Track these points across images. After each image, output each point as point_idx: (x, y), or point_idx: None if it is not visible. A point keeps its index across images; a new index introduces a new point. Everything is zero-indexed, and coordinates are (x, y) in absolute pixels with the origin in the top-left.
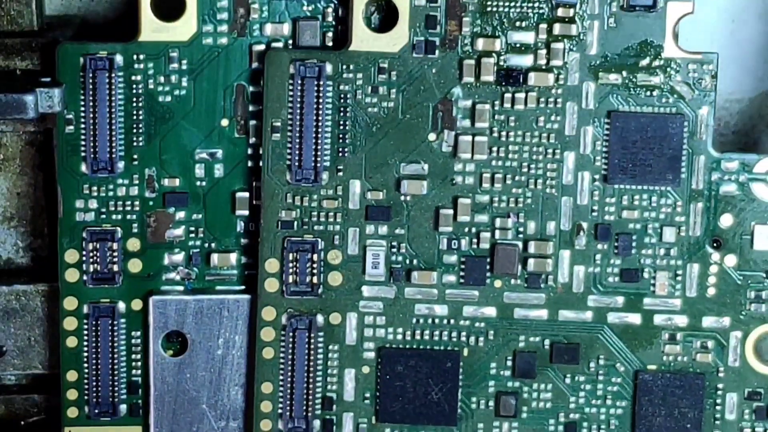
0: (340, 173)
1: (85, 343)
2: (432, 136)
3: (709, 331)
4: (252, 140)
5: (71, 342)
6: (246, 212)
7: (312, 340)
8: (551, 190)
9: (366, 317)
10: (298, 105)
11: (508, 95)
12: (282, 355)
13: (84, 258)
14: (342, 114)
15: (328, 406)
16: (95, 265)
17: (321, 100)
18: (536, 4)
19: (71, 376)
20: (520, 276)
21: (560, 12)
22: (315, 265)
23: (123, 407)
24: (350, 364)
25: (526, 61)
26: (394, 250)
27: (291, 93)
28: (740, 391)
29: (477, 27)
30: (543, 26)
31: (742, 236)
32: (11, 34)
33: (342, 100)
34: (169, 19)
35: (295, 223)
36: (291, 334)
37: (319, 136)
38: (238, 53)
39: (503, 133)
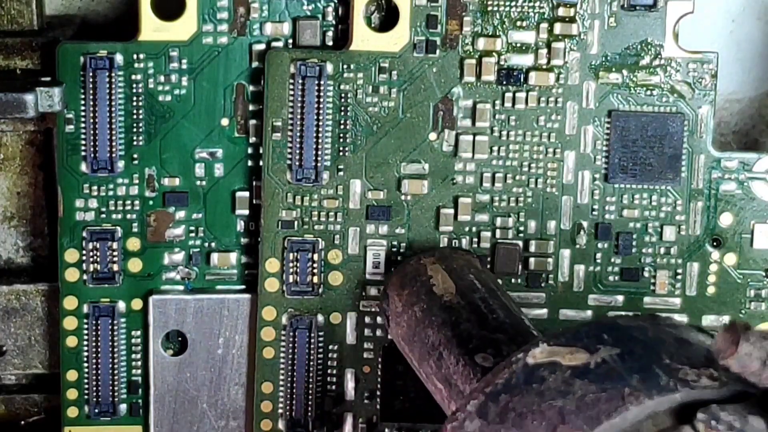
0: (341, 173)
1: (85, 343)
2: (433, 136)
3: (708, 329)
4: (252, 140)
5: (71, 341)
6: (246, 212)
7: (312, 340)
8: (552, 189)
9: (366, 317)
10: (299, 104)
11: (508, 95)
12: (282, 354)
13: (84, 257)
14: (342, 113)
15: (329, 405)
16: (95, 264)
17: (322, 100)
18: (537, 4)
19: (71, 375)
20: (521, 275)
21: (561, 11)
22: (315, 265)
23: (123, 407)
24: (351, 364)
25: (527, 60)
26: (395, 249)
27: (291, 92)
28: None
29: (478, 26)
30: (544, 26)
31: (741, 235)
32: (11, 33)
33: (343, 100)
34: (169, 18)
35: (296, 222)
36: (291, 333)
37: (320, 135)
38: (238, 53)
39: (504, 133)
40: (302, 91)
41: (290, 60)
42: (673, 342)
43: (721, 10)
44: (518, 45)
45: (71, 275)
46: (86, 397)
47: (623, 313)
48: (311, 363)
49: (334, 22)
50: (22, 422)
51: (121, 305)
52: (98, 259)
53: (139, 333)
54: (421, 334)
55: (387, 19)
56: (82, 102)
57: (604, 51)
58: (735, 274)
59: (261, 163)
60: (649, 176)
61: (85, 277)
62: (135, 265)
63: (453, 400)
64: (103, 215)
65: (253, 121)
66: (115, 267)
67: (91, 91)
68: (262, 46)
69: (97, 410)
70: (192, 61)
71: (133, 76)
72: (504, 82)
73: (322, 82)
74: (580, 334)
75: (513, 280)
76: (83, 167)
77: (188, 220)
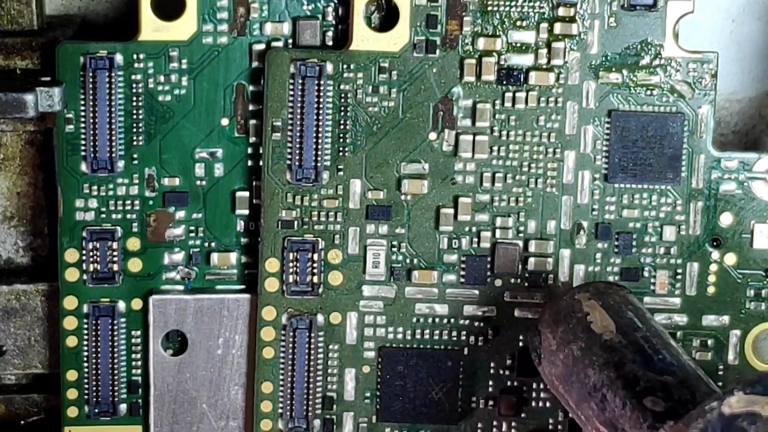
0: (341, 173)
1: (85, 343)
2: (432, 136)
3: (708, 329)
4: (252, 140)
5: (71, 341)
6: (246, 211)
7: (312, 340)
8: (552, 189)
9: (366, 317)
10: (299, 104)
11: (508, 94)
12: (282, 354)
13: (84, 257)
14: (342, 113)
15: (329, 405)
16: (95, 264)
17: (321, 100)
18: (537, 4)
19: (71, 375)
20: (521, 275)
21: (561, 11)
22: (315, 265)
23: (123, 407)
24: (351, 364)
25: (527, 60)
26: (395, 249)
27: (291, 92)
28: None
29: (478, 26)
30: (544, 25)
31: (741, 235)
32: (11, 33)
33: (342, 100)
34: (169, 18)
35: (296, 222)
36: (291, 333)
37: (320, 135)
38: (238, 52)
39: (504, 133)
40: (302, 91)
41: (290, 60)
42: None
43: (721, 10)
44: (518, 45)
45: (71, 275)
46: (86, 397)
47: None
48: (311, 363)
49: (334, 22)
50: (22, 422)
51: (121, 305)
52: (98, 259)
53: (139, 333)
54: (581, 374)
55: (387, 19)
56: (82, 102)
57: (604, 51)
58: (735, 274)
59: (261, 163)
60: (649, 176)
61: (85, 277)
62: (135, 265)
63: None
64: (103, 215)
65: (253, 121)
66: (115, 267)
67: (91, 91)
68: (262, 46)
69: (97, 410)
70: (192, 61)
71: (133, 76)
72: (504, 82)
73: (322, 82)
74: None
75: (513, 280)
76: (83, 167)
77: (188, 220)
